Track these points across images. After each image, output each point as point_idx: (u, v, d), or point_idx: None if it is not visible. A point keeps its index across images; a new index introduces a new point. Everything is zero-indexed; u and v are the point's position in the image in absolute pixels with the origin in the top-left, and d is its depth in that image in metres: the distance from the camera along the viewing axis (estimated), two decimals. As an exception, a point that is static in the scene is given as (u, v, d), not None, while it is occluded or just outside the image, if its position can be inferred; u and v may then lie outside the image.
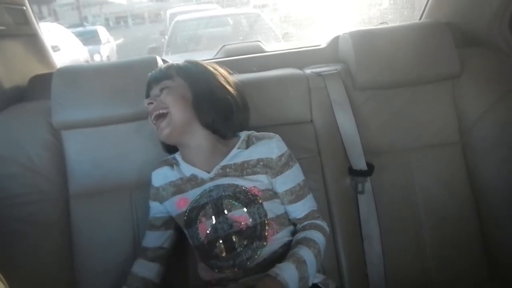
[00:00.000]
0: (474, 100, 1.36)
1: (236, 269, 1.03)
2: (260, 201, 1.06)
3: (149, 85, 1.15)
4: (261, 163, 1.08)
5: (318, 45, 1.65)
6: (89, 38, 8.79)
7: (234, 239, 1.04)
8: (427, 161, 1.35)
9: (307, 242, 1.04)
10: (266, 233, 1.05)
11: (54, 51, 1.72)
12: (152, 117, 1.08)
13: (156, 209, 1.16)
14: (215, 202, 1.06)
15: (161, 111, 1.07)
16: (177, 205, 1.10)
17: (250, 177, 1.08)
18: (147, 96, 1.15)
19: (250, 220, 1.04)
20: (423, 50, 1.35)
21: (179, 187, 1.11)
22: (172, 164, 1.16)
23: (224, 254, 1.04)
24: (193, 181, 1.10)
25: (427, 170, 1.35)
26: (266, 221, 1.06)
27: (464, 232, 1.32)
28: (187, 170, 1.12)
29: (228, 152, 1.11)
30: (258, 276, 1.00)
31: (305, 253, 1.01)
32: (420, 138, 1.37)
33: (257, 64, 1.52)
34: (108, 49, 9.17)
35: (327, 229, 1.12)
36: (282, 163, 1.10)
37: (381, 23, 1.69)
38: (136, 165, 1.31)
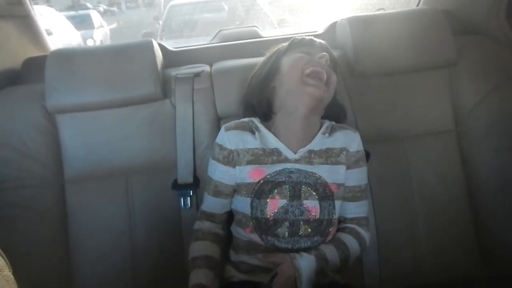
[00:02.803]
0: (469, 89, 1.36)
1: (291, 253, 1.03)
2: (334, 200, 1.07)
3: (310, 45, 1.11)
4: (344, 152, 1.10)
5: (315, 31, 1.64)
6: (82, 23, 8.68)
7: (300, 226, 1.04)
8: (422, 149, 1.36)
9: (338, 243, 1.07)
10: (329, 231, 1.07)
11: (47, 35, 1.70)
12: (315, 73, 1.03)
13: (227, 173, 1.09)
14: (293, 185, 1.05)
15: (324, 78, 1.04)
16: (250, 174, 1.06)
17: (333, 167, 1.08)
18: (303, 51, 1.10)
19: (320, 214, 1.06)
20: (420, 37, 1.35)
21: (257, 158, 1.07)
22: (252, 130, 1.11)
23: (286, 236, 1.04)
24: (275, 156, 1.07)
25: (422, 158, 1.35)
26: (332, 220, 1.08)
27: (457, 220, 1.34)
28: (272, 142, 1.08)
29: (313, 135, 1.10)
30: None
31: (331, 253, 1.03)
32: (416, 126, 1.37)
33: (253, 49, 1.51)
34: (101, 34, 9.06)
35: (367, 240, 1.13)
36: (355, 160, 1.12)
37: (378, 9, 1.68)
38: (132, 150, 1.30)
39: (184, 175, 1.27)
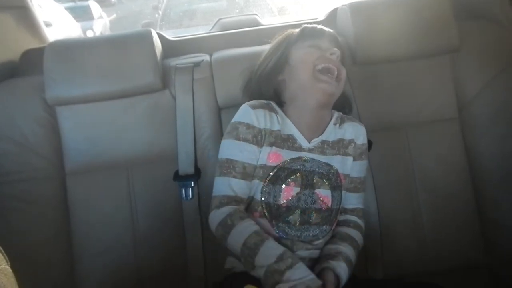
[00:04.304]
0: (473, 75, 1.35)
1: (299, 241, 1.04)
2: (342, 190, 1.09)
3: (320, 36, 1.10)
4: (352, 144, 1.12)
5: (316, 18, 1.62)
6: (81, 14, 8.61)
7: (312, 214, 1.05)
8: (425, 137, 1.35)
9: (352, 241, 1.08)
10: (335, 220, 1.09)
11: (46, 26, 1.68)
12: (327, 69, 1.04)
13: (255, 154, 1.04)
14: (307, 174, 1.05)
15: (335, 74, 1.05)
16: (269, 156, 1.04)
17: (343, 157, 1.10)
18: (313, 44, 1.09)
19: (331, 203, 1.06)
20: (423, 23, 1.33)
21: (278, 140, 1.06)
22: (274, 111, 1.09)
23: (297, 224, 1.04)
24: (290, 142, 1.07)
25: (425, 147, 1.35)
26: (339, 209, 1.10)
27: (460, 208, 1.33)
28: (288, 128, 1.08)
29: (325, 125, 1.11)
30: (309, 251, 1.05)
31: (352, 254, 1.05)
32: (418, 114, 1.36)
33: (253, 38, 1.50)
34: (101, 25, 9.00)
35: (364, 229, 1.15)
36: (360, 152, 1.14)
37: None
38: (132, 141, 1.29)
39: (185, 166, 1.27)
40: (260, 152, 1.05)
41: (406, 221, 1.32)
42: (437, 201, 1.32)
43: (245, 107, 1.08)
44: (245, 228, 0.98)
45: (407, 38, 1.33)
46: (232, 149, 1.05)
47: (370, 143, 1.20)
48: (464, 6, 1.49)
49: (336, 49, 1.07)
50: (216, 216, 1.02)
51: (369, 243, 1.23)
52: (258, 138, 1.04)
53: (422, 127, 1.35)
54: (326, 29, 1.13)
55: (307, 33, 1.11)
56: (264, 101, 1.11)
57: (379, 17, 1.34)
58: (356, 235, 1.11)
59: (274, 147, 1.05)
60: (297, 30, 1.14)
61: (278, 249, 0.95)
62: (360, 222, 1.14)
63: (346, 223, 1.13)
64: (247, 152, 1.04)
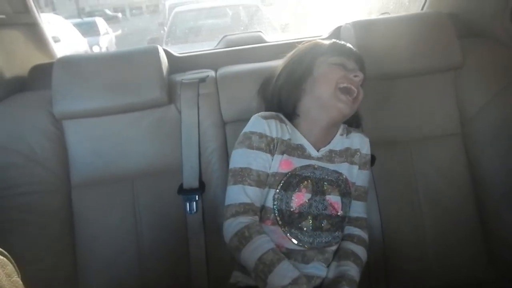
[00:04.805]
0: (475, 92, 1.36)
1: (312, 247, 1.04)
2: (351, 197, 1.12)
3: (348, 56, 1.12)
4: (358, 153, 1.15)
5: (320, 36, 1.65)
6: (88, 30, 8.75)
7: (323, 221, 1.06)
8: (428, 152, 1.36)
9: (356, 259, 1.08)
10: (345, 226, 1.10)
11: (55, 42, 1.71)
12: (347, 90, 1.07)
13: (267, 162, 1.06)
14: (317, 181, 1.07)
15: (354, 96, 1.08)
16: (281, 163, 1.06)
17: (350, 166, 1.13)
18: (341, 64, 1.11)
19: (342, 210, 1.08)
20: (425, 41, 1.35)
21: (289, 148, 1.08)
22: (284, 122, 1.12)
23: (310, 230, 1.05)
24: (300, 151, 1.09)
25: (428, 162, 1.35)
26: (348, 216, 1.12)
27: (463, 223, 1.33)
28: (298, 138, 1.11)
29: (332, 136, 1.14)
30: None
31: (356, 273, 1.04)
32: (421, 129, 1.37)
33: (258, 54, 1.52)
34: (107, 40, 9.13)
35: (367, 242, 1.15)
36: (364, 161, 1.17)
37: (382, 13, 1.68)
38: (138, 155, 1.30)
39: (190, 180, 1.28)
40: (272, 160, 1.06)
41: (409, 234, 1.32)
42: (440, 215, 1.33)
43: (256, 117, 1.09)
44: (262, 244, 0.98)
45: (410, 56, 1.35)
46: (246, 158, 1.06)
47: (373, 157, 1.21)
48: (466, 24, 1.51)
49: (360, 72, 1.09)
50: (232, 226, 1.01)
51: (372, 257, 1.23)
52: (271, 147, 1.06)
53: (425, 142, 1.36)
54: (354, 49, 1.14)
55: (336, 49, 1.13)
56: (274, 113, 1.12)
57: (382, 35, 1.36)
58: (360, 251, 1.10)
59: (285, 155, 1.07)
60: (326, 42, 1.15)
61: (294, 272, 0.95)
62: (363, 236, 1.14)
63: (350, 237, 1.13)
64: (261, 160, 1.05)
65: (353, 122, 1.22)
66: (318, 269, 1.04)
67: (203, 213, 1.26)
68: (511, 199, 1.29)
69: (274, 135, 1.07)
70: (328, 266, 1.07)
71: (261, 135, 1.06)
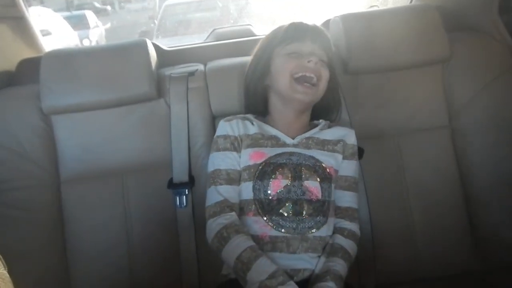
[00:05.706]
0: (463, 84, 1.37)
1: (295, 233, 1.04)
2: (332, 183, 1.12)
3: (302, 38, 1.12)
4: (341, 143, 1.16)
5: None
6: (77, 23, 8.65)
7: (303, 205, 1.06)
8: (416, 145, 1.37)
9: (344, 253, 1.07)
10: (329, 212, 1.10)
11: (45, 35, 1.69)
12: (304, 78, 1.09)
13: (235, 160, 1.12)
14: (294, 167, 1.08)
15: (314, 81, 1.09)
16: (251, 156, 1.10)
17: (329, 153, 1.14)
18: (293, 49, 1.12)
19: (321, 194, 1.08)
20: (414, 34, 1.35)
21: (256, 141, 1.12)
22: (250, 120, 1.16)
23: (290, 215, 1.05)
24: (274, 140, 1.13)
25: (417, 154, 1.36)
26: (330, 202, 1.11)
27: (452, 214, 1.34)
28: (270, 130, 1.15)
29: (306, 124, 1.19)
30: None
31: (342, 269, 1.04)
32: (409, 123, 1.38)
33: (247, 48, 1.52)
34: (97, 34, 9.05)
35: (359, 235, 1.16)
36: (352, 152, 1.18)
37: (371, 6, 1.68)
38: (127, 149, 1.30)
39: (180, 174, 1.28)
40: (240, 157, 1.12)
41: (398, 228, 1.33)
42: (428, 207, 1.34)
43: (221, 123, 1.17)
44: (240, 242, 1.00)
45: (398, 49, 1.35)
46: (215, 161, 1.13)
47: (361, 151, 1.22)
48: (454, 17, 1.51)
49: (313, 57, 1.09)
50: (212, 228, 1.05)
51: (361, 251, 1.24)
52: (235, 144, 1.13)
53: (413, 135, 1.37)
54: (310, 25, 1.15)
55: (289, 36, 1.13)
56: (241, 115, 1.19)
57: (371, 28, 1.36)
58: (350, 245, 1.10)
59: (255, 148, 1.11)
60: (282, 29, 1.16)
61: (271, 266, 0.97)
62: (354, 229, 1.14)
63: (341, 231, 1.12)
64: (229, 159, 1.11)
65: (334, 111, 1.24)
66: (306, 261, 1.05)
67: (193, 206, 1.27)
68: (498, 190, 1.31)
69: (236, 133, 1.13)
70: (319, 257, 1.06)
71: (225, 137, 1.13)
